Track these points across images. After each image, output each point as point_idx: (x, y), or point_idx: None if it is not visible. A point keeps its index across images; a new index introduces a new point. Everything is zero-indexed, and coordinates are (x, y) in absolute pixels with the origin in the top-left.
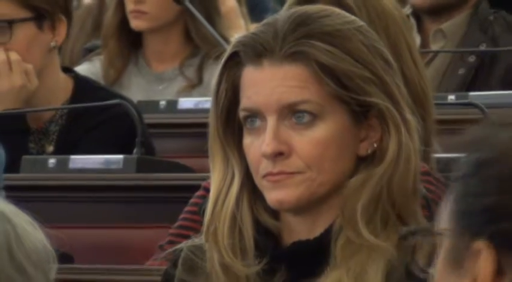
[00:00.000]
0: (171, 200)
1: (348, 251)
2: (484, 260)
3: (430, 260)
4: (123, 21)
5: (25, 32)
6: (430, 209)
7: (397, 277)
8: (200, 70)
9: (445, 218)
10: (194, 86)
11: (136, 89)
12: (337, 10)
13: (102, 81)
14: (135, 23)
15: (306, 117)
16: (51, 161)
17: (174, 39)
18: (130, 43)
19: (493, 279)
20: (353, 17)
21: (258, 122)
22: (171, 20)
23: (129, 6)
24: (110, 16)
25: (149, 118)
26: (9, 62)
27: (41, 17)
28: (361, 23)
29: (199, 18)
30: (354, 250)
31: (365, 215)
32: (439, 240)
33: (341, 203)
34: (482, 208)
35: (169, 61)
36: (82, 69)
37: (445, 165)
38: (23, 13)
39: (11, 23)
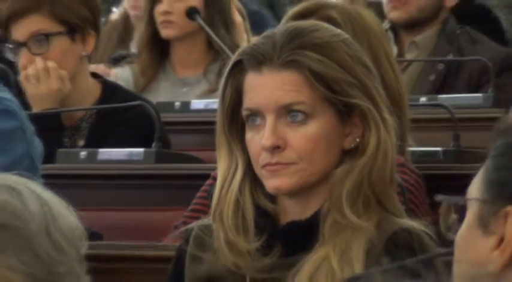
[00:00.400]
0: (184, 187)
1: (334, 230)
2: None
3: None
4: (153, 35)
5: (60, 44)
6: (404, 195)
7: (376, 253)
8: (219, 76)
9: (474, 188)
10: (214, 90)
11: (163, 92)
12: (326, 25)
13: (132, 87)
14: (165, 32)
15: (300, 116)
16: (82, 153)
17: (197, 48)
18: (160, 53)
19: None
20: (339, 31)
21: (258, 120)
22: (195, 29)
23: (159, 18)
24: (142, 31)
25: (166, 117)
26: (47, 69)
27: (73, 31)
28: (346, 35)
29: (209, 32)
30: (339, 229)
31: (349, 200)
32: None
33: (328, 189)
34: None
35: (192, 67)
36: (114, 73)
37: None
38: (58, 28)
39: (48, 37)
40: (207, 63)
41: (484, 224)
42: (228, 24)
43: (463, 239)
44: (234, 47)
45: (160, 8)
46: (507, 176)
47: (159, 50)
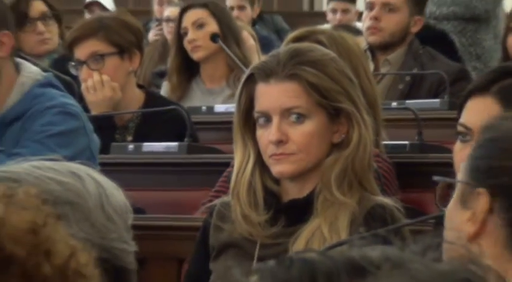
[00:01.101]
0: (209, 172)
1: (325, 205)
2: (482, 201)
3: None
4: (181, 61)
5: (112, 62)
6: (379, 178)
7: (357, 223)
8: (235, 84)
9: (461, 172)
10: (234, 95)
11: (195, 100)
12: (318, 46)
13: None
14: (196, 55)
15: (299, 117)
16: (130, 146)
17: (220, 65)
18: (188, 74)
19: (485, 215)
20: (328, 51)
21: (266, 120)
22: (216, 50)
23: (188, 46)
24: (172, 58)
25: (195, 118)
26: (102, 82)
27: (122, 51)
28: (334, 54)
29: (228, 52)
30: (329, 205)
31: (336, 182)
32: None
33: (321, 174)
34: (487, 167)
35: (217, 80)
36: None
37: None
38: (110, 49)
39: (103, 56)
40: (228, 76)
41: (463, 201)
42: (238, 41)
43: (449, 211)
44: (245, 59)
45: (188, 38)
46: (481, 163)
47: (187, 71)
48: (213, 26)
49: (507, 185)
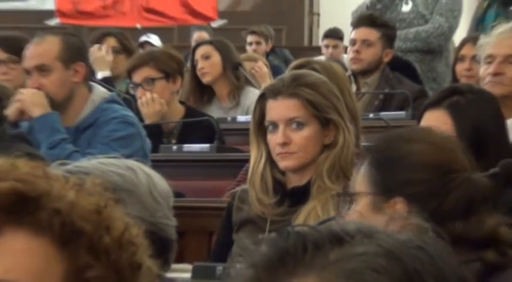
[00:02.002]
0: (233, 167)
1: (318, 191)
2: (400, 207)
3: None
4: (196, 85)
5: (160, 84)
6: None
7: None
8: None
9: (362, 185)
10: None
11: (215, 114)
12: (313, 72)
13: None
14: (205, 80)
15: (299, 125)
16: (174, 147)
17: (226, 88)
18: (203, 95)
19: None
20: (321, 76)
21: (274, 127)
22: (220, 75)
23: (199, 73)
24: (188, 84)
25: (222, 126)
26: (153, 99)
27: (168, 76)
28: (325, 79)
29: (245, 74)
30: (321, 191)
31: (327, 173)
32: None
33: (315, 167)
34: (401, 180)
35: (225, 98)
36: None
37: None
38: (159, 75)
39: (153, 80)
40: (233, 94)
41: (377, 208)
42: (237, 67)
43: (362, 216)
44: (241, 80)
45: (198, 67)
46: (393, 177)
47: (202, 94)
48: (216, 57)
49: (419, 193)
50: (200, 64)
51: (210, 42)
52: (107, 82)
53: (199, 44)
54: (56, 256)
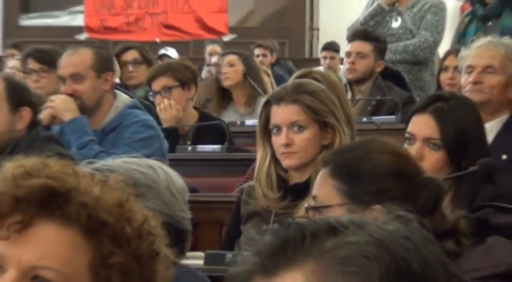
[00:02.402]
0: (242, 165)
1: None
2: (379, 213)
3: None
4: (219, 90)
5: (177, 92)
6: None
7: None
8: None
9: (333, 197)
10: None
11: (231, 118)
12: (313, 81)
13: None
14: (226, 84)
15: (300, 128)
16: (189, 148)
17: (244, 94)
18: (223, 99)
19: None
20: (320, 84)
21: (278, 130)
22: (240, 81)
23: (222, 77)
24: (211, 87)
25: (232, 129)
26: (170, 105)
27: (183, 85)
28: (324, 87)
29: (253, 84)
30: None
31: None
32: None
33: (315, 165)
34: (376, 189)
35: (242, 104)
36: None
37: None
38: (175, 83)
39: (171, 88)
40: (250, 101)
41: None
42: (256, 76)
43: None
44: (260, 88)
45: (222, 71)
46: (367, 188)
47: (225, 96)
48: (239, 66)
49: (394, 199)
50: (224, 69)
51: (236, 53)
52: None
53: (226, 53)
54: (83, 245)
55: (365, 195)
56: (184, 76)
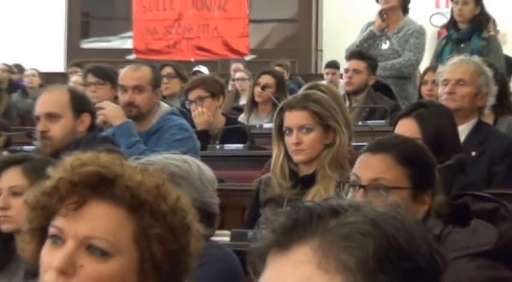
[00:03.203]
0: (260, 161)
1: (322, 178)
2: (429, 198)
3: None
4: (252, 101)
5: (208, 101)
6: (351, 163)
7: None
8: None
9: (402, 180)
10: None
11: (252, 121)
12: (319, 92)
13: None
14: (258, 100)
15: (308, 130)
16: (217, 146)
17: (267, 104)
18: (253, 108)
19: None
20: (324, 95)
21: (290, 132)
22: (267, 99)
23: (256, 93)
24: (248, 98)
25: (253, 131)
26: (203, 112)
27: (214, 96)
28: (327, 97)
29: (271, 97)
30: (324, 177)
31: (328, 165)
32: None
33: (320, 160)
34: (429, 176)
35: (265, 111)
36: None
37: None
38: (207, 94)
39: (203, 98)
40: (271, 109)
41: (414, 198)
42: (284, 92)
43: (402, 203)
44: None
45: (257, 92)
46: (426, 174)
47: (252, 107)
48: (273, 87)
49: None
50: (257, 91)
51: (271, 72)
52: None
53: (264, 72)
54: (128, 220)
55: (424, 182)
56: (214, 88)
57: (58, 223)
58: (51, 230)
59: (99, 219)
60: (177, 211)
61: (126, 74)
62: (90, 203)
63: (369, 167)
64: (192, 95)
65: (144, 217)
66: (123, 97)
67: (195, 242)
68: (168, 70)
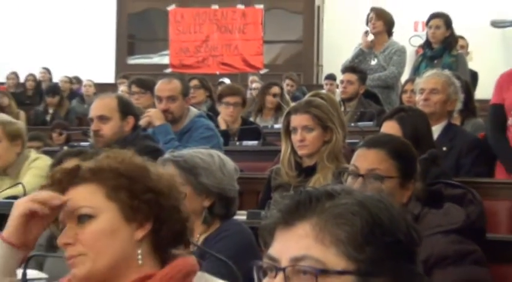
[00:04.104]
0: (272, 154)
1: (321, 168)
2: (412, 186)
3: None
4: (260, 108)
5: (236, 107)
6: (346, 158)
7: (335, 176)
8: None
9: (393, 171)
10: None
11: (260, 123)
12: (319, 99)
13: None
14: (270, 104)
15: (310, 130)
16: (237, 143)
17: (270, 108)
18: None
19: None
20: (324, 101)
21: (295, 131)
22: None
23: (269, 100)
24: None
25: (265, 130)
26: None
27: (244, 105)
28: (326, 103)
29: (280, 103)
30: (323, 168)
31: (326, 158)
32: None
33: (320, 154)
34: (415, 171)
35: (269, 114)
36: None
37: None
38: (240, 101)
39: (232, 104)
40: (276, 115)
41: (402, 185)
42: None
43: (389, 190)
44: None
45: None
46: (410, 168)
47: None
48: (279, 96)
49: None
50: (270, 100)
51: (277, 85)
52: None
53: (272, 85)
54: (94, 189)
55: (409, 173)
56: (245, 99)
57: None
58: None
59: (81, 195)
60: (174, 190)
61: (160, 87)
62: (70, 189)
63: (365, 159)
64: (232, 99)
65: (106, 182)
66: (159, 106)
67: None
68: (194, 82)
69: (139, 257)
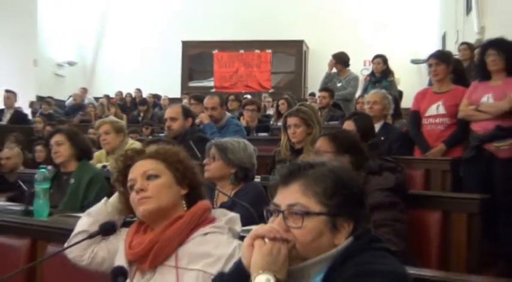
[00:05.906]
0: (276, 141)
1: (306, 151)
2: (365, 164)
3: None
4: (278, 113)
5: (250, 113)
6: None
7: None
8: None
9: (330, 149)
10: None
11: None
12: (305, 107)
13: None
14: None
15: (298, 126)
16: (255, 134)
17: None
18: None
19: None
20: (308, 109)
21: (289, 127)
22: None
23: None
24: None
25: (272, 126)
26: (250, 116)
27: (259, 110)
28: (308, 110)
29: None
30: (307, 151)
31: (309, 143)
32: None
33: (305, 142)
34: (346, 149)
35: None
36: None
37: None
38: (256, 108)
39: (251, 110)
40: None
41: (357, 166)
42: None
43: None
44: None
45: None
46: (341, 147)
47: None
48: (286, 106)
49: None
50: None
51: (286, 99)
52: None
53: (283, 99)
54: (158, 162)
55: (342, 150)
56: (256, 107)
57: (130, 176)
58: (129, 183)
59: (146, 164)
60: (190, 169)
61: (206, 101)
62: (139, 161)
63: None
64: (251, 107)
65: (166, 159)
66: (206, 112)
67: (194, 171)
68: (231, 97)
69: (184, 204)
